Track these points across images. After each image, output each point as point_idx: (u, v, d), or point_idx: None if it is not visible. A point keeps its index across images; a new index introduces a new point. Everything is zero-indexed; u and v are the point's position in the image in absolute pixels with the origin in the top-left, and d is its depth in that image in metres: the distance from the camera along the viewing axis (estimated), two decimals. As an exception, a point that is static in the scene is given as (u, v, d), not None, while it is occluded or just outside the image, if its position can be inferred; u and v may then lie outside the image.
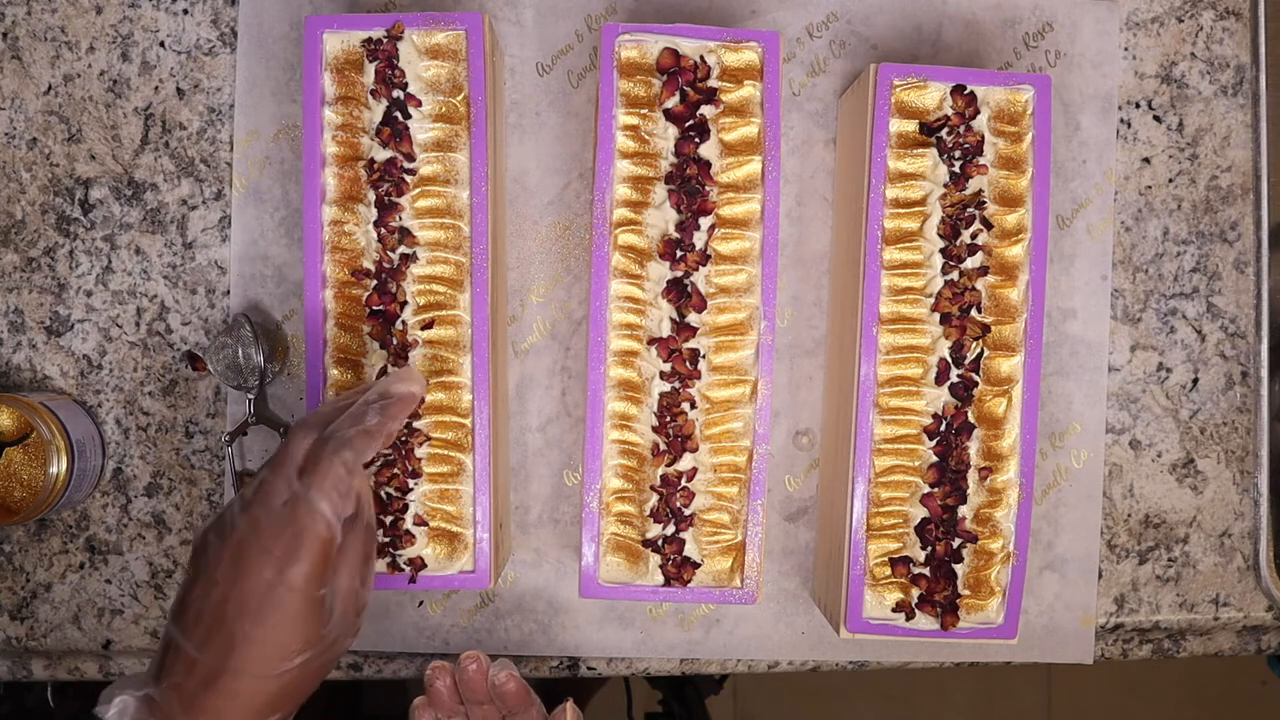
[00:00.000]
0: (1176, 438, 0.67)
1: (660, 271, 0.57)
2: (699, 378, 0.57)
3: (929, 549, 0.57)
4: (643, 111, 0.57)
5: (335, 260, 0.57)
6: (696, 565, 0.57)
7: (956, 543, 0.57)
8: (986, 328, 0.57)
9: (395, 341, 0.57)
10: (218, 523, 0.46)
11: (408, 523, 0.57)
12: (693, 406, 0.57)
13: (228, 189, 0.65)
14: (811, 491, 0.66)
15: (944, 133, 0.57)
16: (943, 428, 0.57)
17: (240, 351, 0.62)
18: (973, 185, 0.57)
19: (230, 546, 0.45)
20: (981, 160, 0.57)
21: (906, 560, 0.58)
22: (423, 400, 0.55)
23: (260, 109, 0.64)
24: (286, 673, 0.45)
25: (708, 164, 0.57)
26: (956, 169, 0.57)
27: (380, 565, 0.57)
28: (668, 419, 0.57)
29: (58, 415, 0.61)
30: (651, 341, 0.57)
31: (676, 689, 1.10)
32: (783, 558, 0.66)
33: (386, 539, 0.57)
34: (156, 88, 0.65)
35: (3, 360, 0.65)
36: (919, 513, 0.58)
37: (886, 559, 0.58)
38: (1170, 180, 0.67)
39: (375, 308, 0.57)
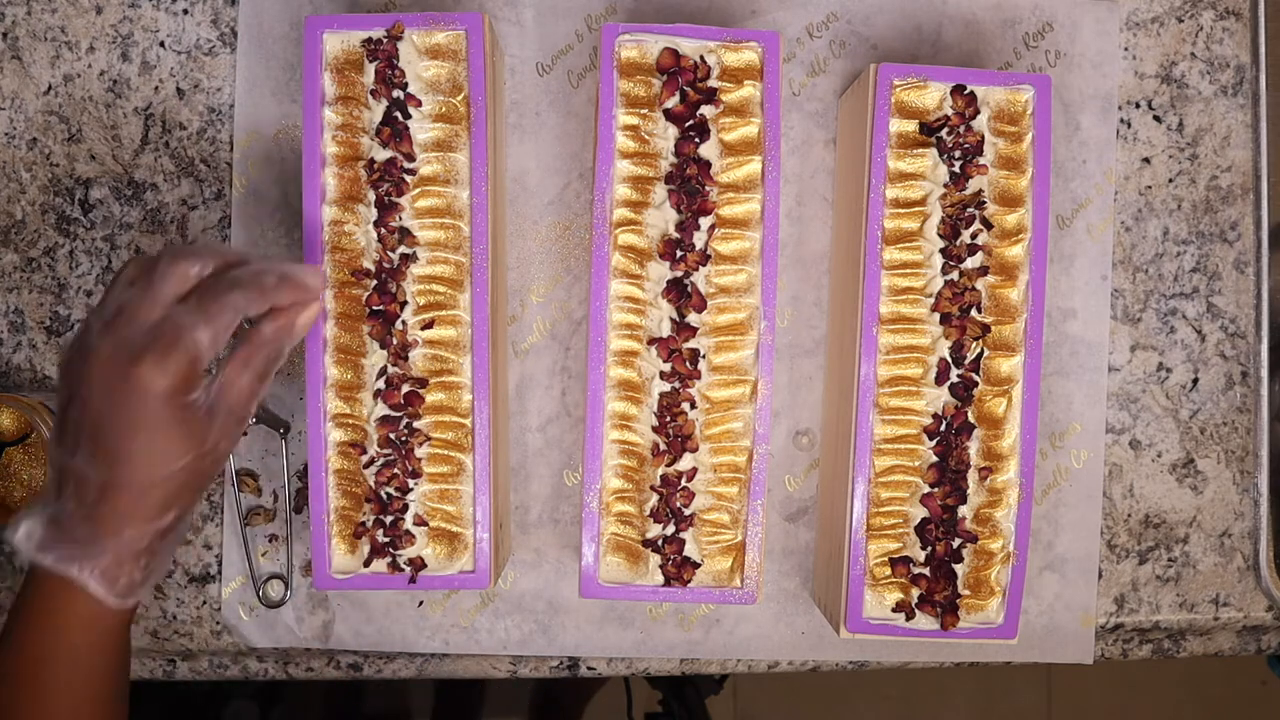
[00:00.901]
0: (1176, 438, 0.67)
1: (660, 271, 0.57)
2: (699, 378, 0.57)
3: (929, 549, 0.57)
4: (643, 111, 0.57)
5: (335, 260, 0.57)
6: (696, 565, 0.57)
7: (956, 543, 0.57)
8: (986, 328, 0.57)
9: (395, 341, 0.57)
10: (78, 344, 0.47)
11: (408, 523, 0.57)
12: (693, 406, 0.57)
13: (228, 189, 0.65)
14: (811, 491, 0.66)
15: (944, 133, 0.57)
16: (943, 428, 0.57)
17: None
18: (973, 185, 0.57)
19: (95, 366, 0.46)
20: (981, 160, 0.57)
21: (906, 560, 0.58)
22: (322, 311, 0.55)
23: (260, 109, 0.64)
24: (172, 476, 0.47)
25: (708, 164, 0.57)
26: (956, 169, 0.57)
27: (380, 565, 0.57)
28: (668, 419, 0.57)
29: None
30: (651, 341, 0.57)
31: (676, 689, 1.11)
32: (783, 558, 0.66)
33: (386, 539, 0.57)
34: (156, 88, 0.65)
35: (3, 360, 0.65)
36: (919, 513, 0.58)
37: (886, 559, 0.58)
38: (1170, 180, 0.67)
39: (375, 308, 0.57)
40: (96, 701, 0.49)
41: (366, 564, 0.57)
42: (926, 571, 0.57)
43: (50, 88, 0.65)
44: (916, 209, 0.57)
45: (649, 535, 0.57)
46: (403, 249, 0.57)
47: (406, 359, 0.57)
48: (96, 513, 0.46)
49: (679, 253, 0.57)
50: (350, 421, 0.57)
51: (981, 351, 0.58)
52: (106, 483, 0.46)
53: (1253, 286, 0.66)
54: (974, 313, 0.57)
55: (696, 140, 0.57)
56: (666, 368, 0.57)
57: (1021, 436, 0.58)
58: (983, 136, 0.57)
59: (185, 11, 0.65)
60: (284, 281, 0.50)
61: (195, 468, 0.47)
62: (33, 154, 0.65)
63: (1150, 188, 0.67)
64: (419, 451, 0.57)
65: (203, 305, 0.47)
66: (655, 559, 0.58)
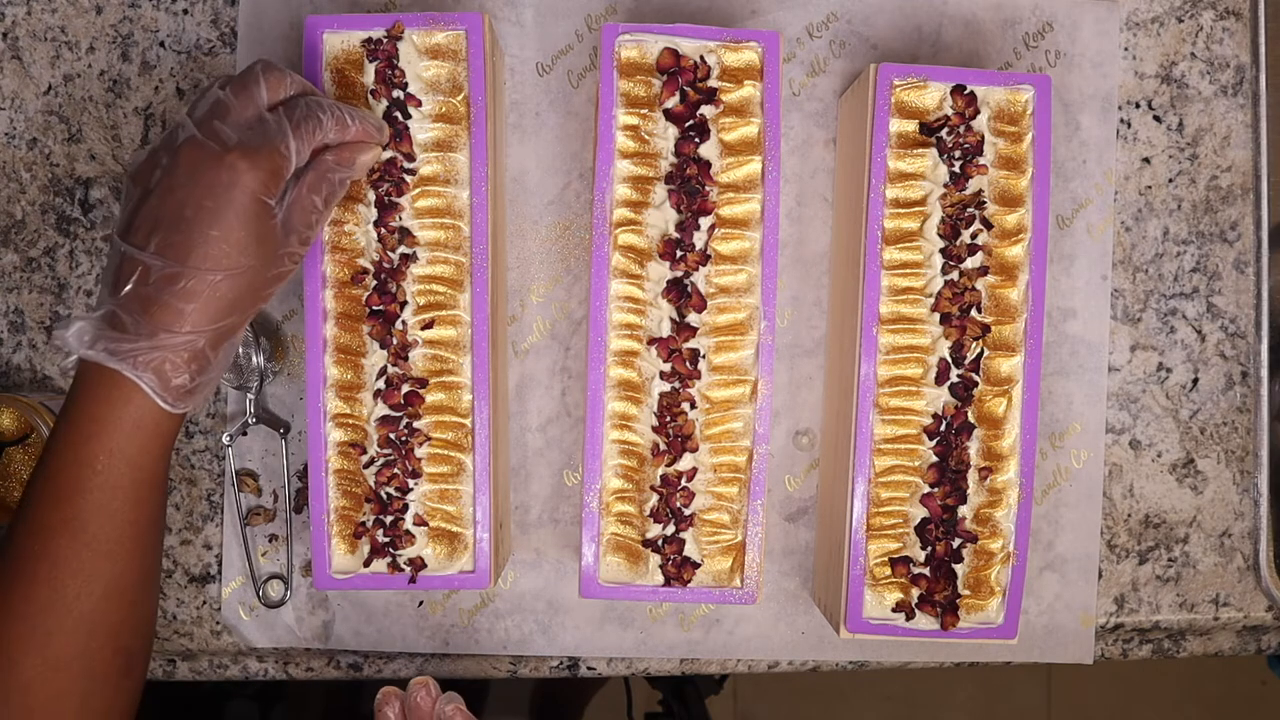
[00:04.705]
0: (1176, 438, 0.67)
1: (660, 271, 0.57)
2: (699, 378, 0.57)
3: (929, 549, 0.57)
4: (643, 111, 0.57)
5: (335, 260, 0.57)
6: (696, 565, 0.57)
7: (956, 543, 0.57)
8: (986, 328, 0.57)
9: (395, 341, 0.57)
10: (168, 140, 0.49)
11: (408, 523, 0.57)
12: (693, 406, 0.57)
13: (228, 189, 0.65)
14: (811, 491, 0.66)
15: (944, 133, 0.57)
16: (943, 428, 0.57)
17: (240, 351, 0.62)
18: (973, 185, 0.57)
19: (186, 154, 0.48)
20: (981, 160, 0.57)
21: (906, 560, 0.58)
22: (378, 156, 0.55)
23: (260, 109, 0.64)
24: (240, 273, 0.48)
25: (708, 164, 0.57)
26: (956, 169, 0.57)
27: (380, 565, 0.57)
28: (668, 419, 0.57)
29: (58, 415, 0.61)
30: (651, 341, 0.57)
31: (676, 689, 1.11)
32: (783, 558, 0.66)
33: (386, 539, 0.57)
34: (156, 88, 0.65)
35: (3, 360, 0.65)
36: (919, 513, 0.58)
37: (886, 559, 0.58)
38: (1170, 180, 0.67)
39: (375, 308, 0.57)
40: (137, 529, 0.49)
41: (366, 564, 0.57)
42: (926, 571, 0.57)
43: (50, 88, 0.65)
44: (916, 209, 0.57)
45: (649, 535, 0.57)
46: (403, 249, 0.57)
47: (406, 359, 0.57)
48: (158, 302, 0.47)
49: (679, 253, 0.57)
50: (350, 421, 0.57)
51: (981, 351, 0.58)
52: (175, 273, 0.47)
53: (1253, 286, 0.66)
54: (974, 313, 0.57)
55: (696, 140, 0.57)
56: (666, 368, 0.57)
57: (1021, 436, 0.58)
58: (983, 136, 0.57)
59: (185, 11, 0.65)
60: (359, 120, 0.52)
61: (260, 275, 0.49)
62: (33, 154, 0.65)
63: (1150, 188, 0.67)
64: (419, 451, 0.57)
65: (294, 117, 0.49)
66: (655, 559, 0.58)
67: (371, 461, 0.57)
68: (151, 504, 0.50)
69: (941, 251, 0.57)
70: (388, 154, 0.56)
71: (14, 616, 0.47)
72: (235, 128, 0.48)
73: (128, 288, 0.47)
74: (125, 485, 0.48)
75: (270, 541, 0.65)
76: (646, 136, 0.57)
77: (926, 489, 0.58)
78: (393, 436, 0.57)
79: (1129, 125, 0.67)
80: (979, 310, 0.57)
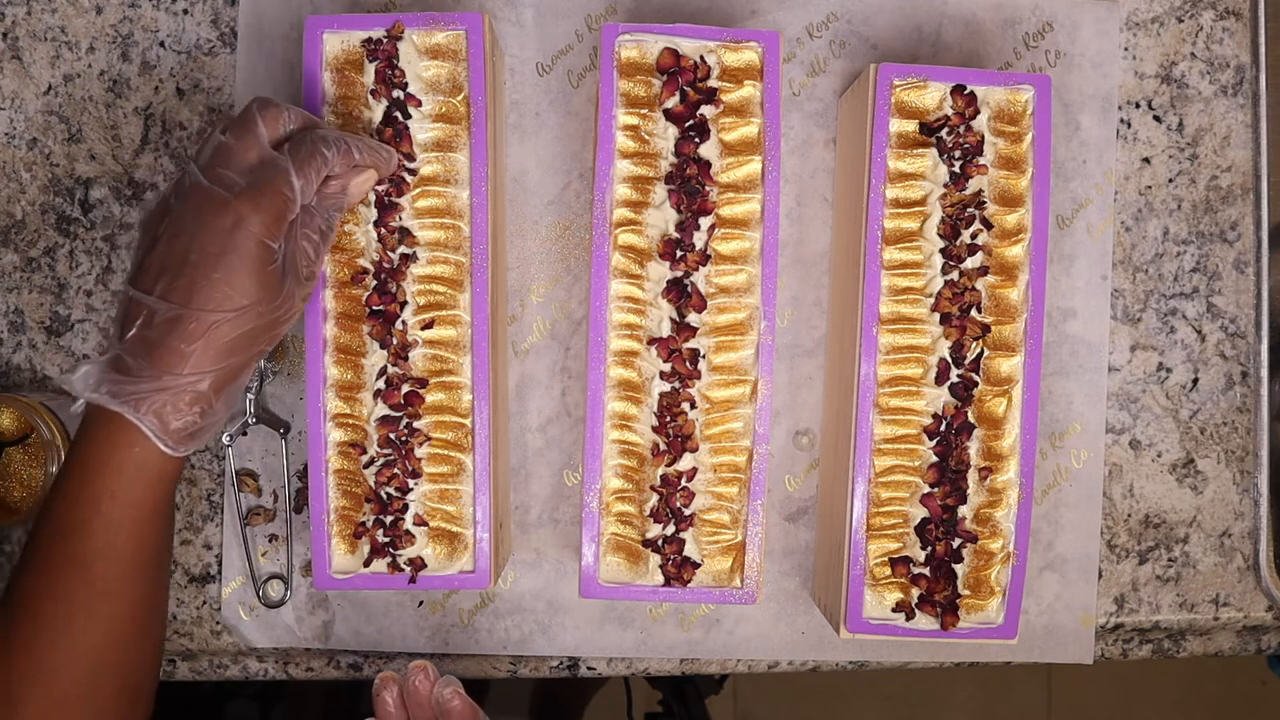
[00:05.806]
0: (1176, 438, 0.67)
1: (660, 271, 0.57)
2: (699, 378, 0.57)
3: (929, 549, 0.57)
4: (643, 111, 0.57)
5: (335, 260, 0.57)
6: (696, 565, 0.57)
7: (956, 543, 0.57)
8: (986, 328, 0.57)
9: (395, 341, 0.57)
10: (176, 189, 0.49)
11: (408, 523, 0.57)
12: (693, 406, 0.57)
13: (228, 189, 0.65)
14: (811, 491, 0.66)
15: (944, 133, 0.57)
16: (943, 428, 0.57)
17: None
18: (973, 185, 0.57)
19: (193, 200, 0.48)
20: (981, 160, 0.57)
21: (906, 560, 0.58)
22: (380, 179, 0.55)
23: (260, 109, 0.64)
24: (243, 314, 0.48)
25: (708, 164, 0.57)
26: (956, 169, 0.57)
27: (380, 565, 0.57)
28: (668, 419, 0.57)
29: (58, 415, 0.61)
30: (651, 341, 0.57)
31: (676, 689, 1.11)
32: (783, 558, 0.66)
33: (386, 539, 0.57)
34: (156, 88, 0.65)
35: (3, 360, 0.65)
36: (919, 513, 0.58)
37: (886, 559, 0.58)
38: (1170, 180, 0.67)
39: (375, 308, 0.57)
40: (140, 568, 0.49)
41: (366, 564, 0.57)
42: (926, 571, 0.57)
43: (50, 88, 0.65)
44: (916, 209, 0.57)
45: (649, 535, 0.57)
46: (403, 249, 0.57)
47: (406, 359, 0.57)
48: (161, 345, 0.47)
49: (679, 253, 0.57)
50: (350, 421, 0.57)
51: (981, 351, 0.58)
52: (177, 316, 0.47)
53: (1253, 286, 0.66)
54: (974, 313, 0.57)
55: (696, 140, 0.57)
56: (666, 368, 0.57)
57: (1021, 436, 0.58)
58: (983, 136, 0.57)
59: (185, 11, 0.65)
60: (365, 150, 0.53)
61: (263, 317, 0.49)
62: (33, 154, 0.65)
63: (1150, 188, 0.67)
64: (419, 451, 0.57)
65: (298, 156, 0.50)
66: (655, 559, 0.58)
67: (371, 461, 0.57)
68: (155, 542, 0.50)
69: (941, 251, 0.57)
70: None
71: (18, 653, 0.47)
72: (239, 172, 0.49)
73: (132, 331, 0.48)
74: (128, 525, 0.48)
75: (270, 541, 0.65)
76: (646, 136, 0.57)
77: (926, 489, 0.58)
78: (393, 436, 0.57)
79: (1129, 125, 0.67)
80: (979, 310, 0.57)
